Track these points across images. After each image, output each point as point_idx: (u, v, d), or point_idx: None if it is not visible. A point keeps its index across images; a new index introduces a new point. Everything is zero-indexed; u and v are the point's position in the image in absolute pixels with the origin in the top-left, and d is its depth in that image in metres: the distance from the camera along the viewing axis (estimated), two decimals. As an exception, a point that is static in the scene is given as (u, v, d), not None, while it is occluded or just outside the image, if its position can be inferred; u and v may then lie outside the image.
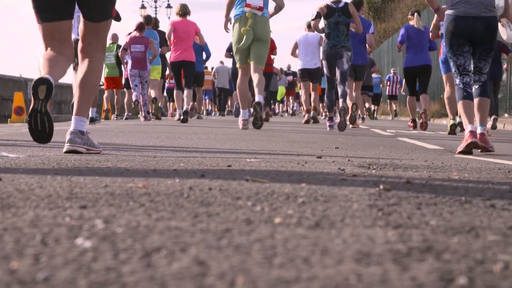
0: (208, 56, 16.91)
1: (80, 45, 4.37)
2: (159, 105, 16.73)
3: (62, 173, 2.85)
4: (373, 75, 26.54)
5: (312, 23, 11.24)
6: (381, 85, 28.48)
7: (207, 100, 30.48)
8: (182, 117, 13.85)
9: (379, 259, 1.34)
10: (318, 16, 10.86)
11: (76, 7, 4.35)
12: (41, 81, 3.95)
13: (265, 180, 2.69)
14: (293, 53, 14.80)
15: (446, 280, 1.19)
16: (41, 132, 4.01)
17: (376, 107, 28.37)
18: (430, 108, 24.61)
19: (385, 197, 2.25)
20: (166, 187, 2.39)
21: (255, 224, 1.70)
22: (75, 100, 4.31)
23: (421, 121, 12.41)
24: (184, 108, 14.00)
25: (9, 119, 18.36)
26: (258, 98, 9.81)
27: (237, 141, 6.63)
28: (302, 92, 15.17)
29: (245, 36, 9.84)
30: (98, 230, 1.57)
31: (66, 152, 4.17)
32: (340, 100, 10.73)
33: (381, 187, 2.50)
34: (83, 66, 4.32)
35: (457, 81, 6.12)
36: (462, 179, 2.99)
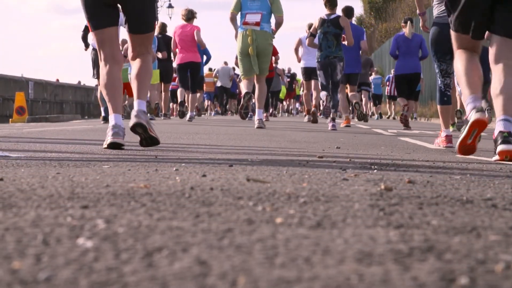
0: (209, 58, 17.08)
1: (129, 54, 5.16)
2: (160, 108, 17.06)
3: (63, 173, 2.85)
4: (374, 75, 27.00)
5: (306, 42, 12.10)
6: (381, 86, 28.59)
7: (209, 102, 30.61)
8: (188, 119, 14.72)
9: (381, 259, 1.33)
10: (309, 35, 11.68)
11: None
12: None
13: (267, 180, 2.69)
14: (296, 50, 15.42)
15: (448, 280, 1.19)
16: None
17: (377, 106, 28.53)
18: (430, 108, 24.69)
19: (386, 197, 2.25)
20: (168, 187, 2.39)
21: (257, 224, 1.70)
22: (133, 89, 5.04)
23: (400, 117, 13.36)
24: (189, 115, 14.79)
25: (10, 119, 18.37)
26: (258, 115, 10.68)
27: (239, 141, 6.64)
28: (303, 92, 15.65)
29: (251, 57, 10.65)
30: (99, 230, 1.57)
31: (134, 125, 4.78)
32: (332, 111, 11.42)
33: (383, 187, 2.50)
34: (136, 64, 5.11)
35: (439, 82, 6.79)
36: (463, 179, 2.99)
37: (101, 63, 5.06)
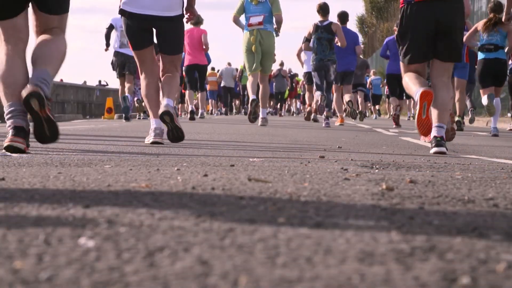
0: (208, 62, 17.29)
1: (161, 71, 5.99)
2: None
3: (65, 172, 2.85)
4: (373, 76, 27.64)
5: (302, 46, 13.52)
6: (381, 86, 28.68)
7: (212, 101, 31.03)
8: (199, 116, 16.34)
9: (382, 259, 1.33)
10: (305, 41, 12.95)
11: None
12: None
13: (268, 179, 2.69)
14: (298, 55, 15.87)
15: (449, 279, 1.19)
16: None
17: (377, 107, 28.68)
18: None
19: (388, 197, 2.25)
20: (169, 186, 2.39)
21: (258, 223, 1.70)
22: (164, 91, 5.81)
23: (393, 116, 14.51)
24: (200, 112, 16.45)
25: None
26: (262, 113, 11.74)
27: (240, 141, 6.64)
28: (306, 93, 16.34)
29: (255, 54, 11.41)
30: (101, 229, 1.57)
31: (162, 113, 5.54)
32: (326, 109, 12.81)
33: (384, 186, 2.50)
34: (165, 78, 5.93)
35: None
36: (465, 179, 2.99)
37: (142, 76, 5.95)
